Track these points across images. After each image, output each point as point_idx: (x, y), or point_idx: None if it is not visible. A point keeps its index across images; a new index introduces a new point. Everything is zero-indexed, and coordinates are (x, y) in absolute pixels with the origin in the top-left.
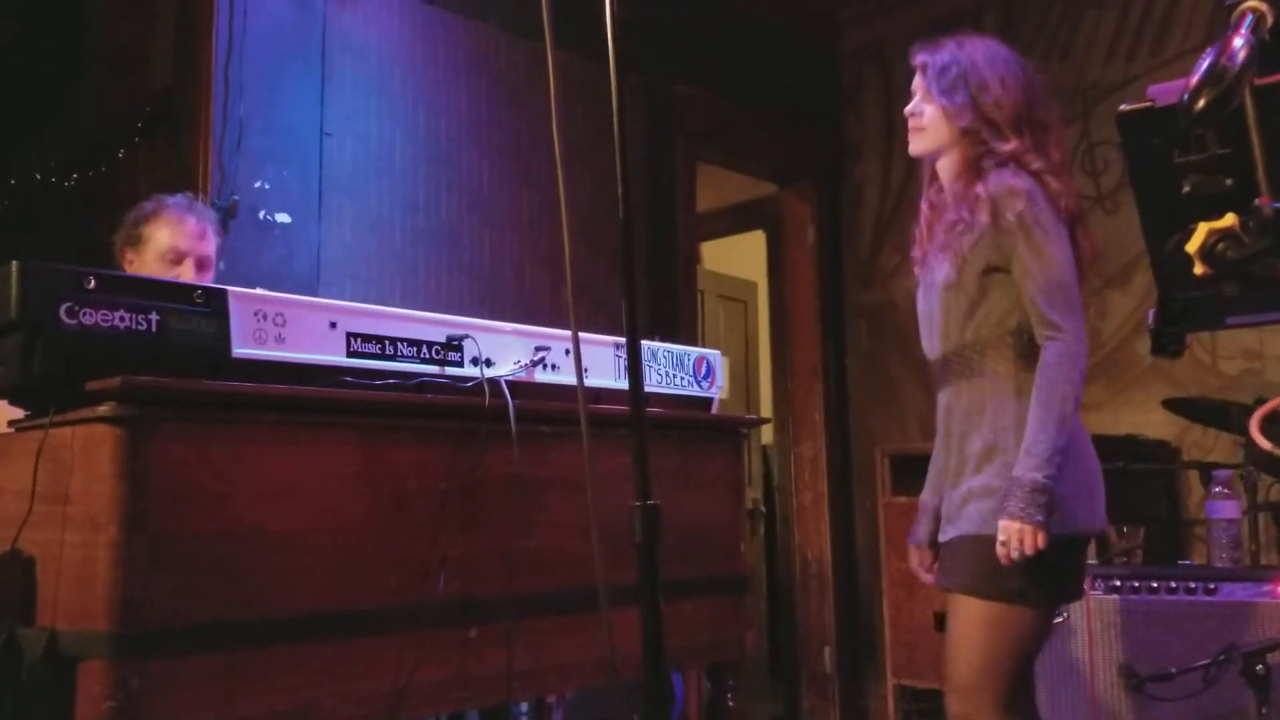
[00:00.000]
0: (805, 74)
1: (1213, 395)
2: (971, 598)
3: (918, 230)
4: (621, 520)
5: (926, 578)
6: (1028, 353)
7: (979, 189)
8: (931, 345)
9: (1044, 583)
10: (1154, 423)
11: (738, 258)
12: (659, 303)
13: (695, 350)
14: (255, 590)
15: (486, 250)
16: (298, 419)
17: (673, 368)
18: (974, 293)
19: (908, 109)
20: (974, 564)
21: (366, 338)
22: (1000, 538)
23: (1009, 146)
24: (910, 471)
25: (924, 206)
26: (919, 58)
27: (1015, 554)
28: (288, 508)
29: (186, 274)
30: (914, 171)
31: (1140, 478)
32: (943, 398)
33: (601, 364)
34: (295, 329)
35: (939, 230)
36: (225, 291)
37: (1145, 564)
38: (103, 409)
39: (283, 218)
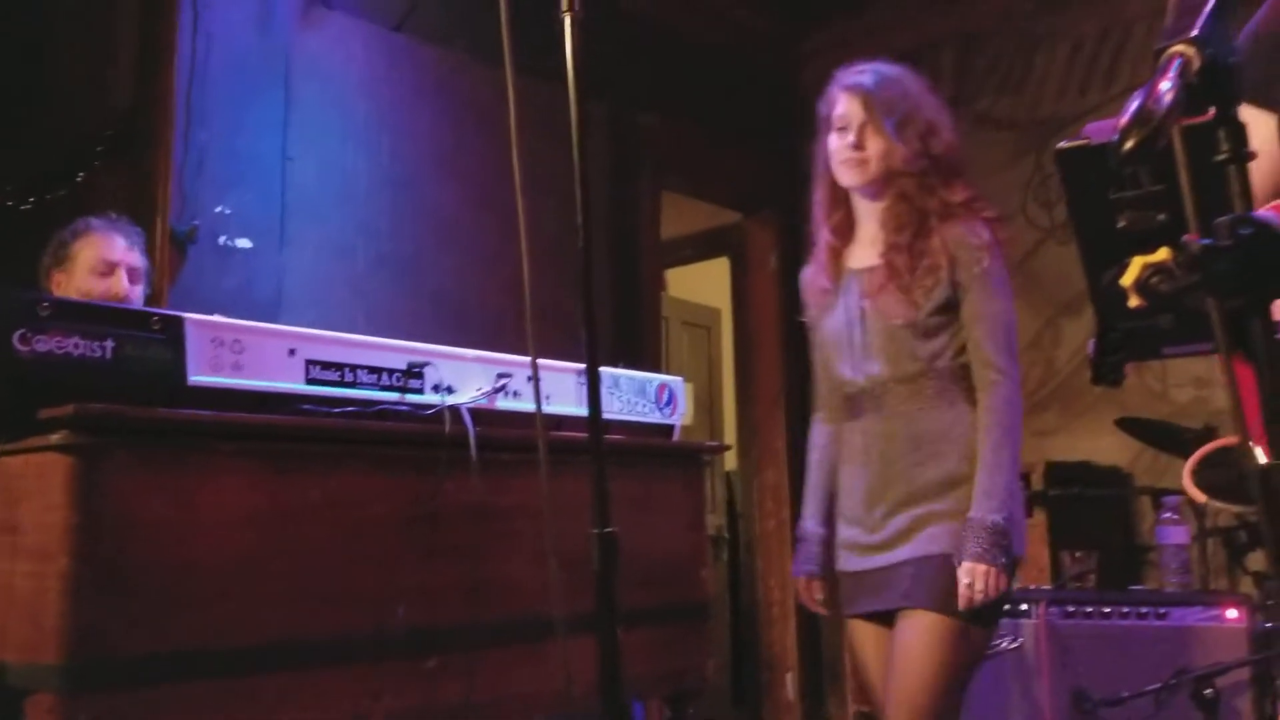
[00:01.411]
0: (768, 105)
1: (1164, 421)
2: (938, 614)
3: (818, 259)
4: (583, 548)
5: (821, 610)
6: (970, 389)
7: (936, 240)
8: (862, 370)
9: (997, 603)
10: (1107, 449)
11: (702, 285)
12: (623, 329)
13: (657, 377)
14: (211, 621)
15: (450, 276)
16: (254, 447)
17: (635, 395)
18: (930, 327)
19: (849, 140)
20: (946, 581)
21: (326, 365)
22: (964, 579)
23: (961, 196)
24: None
25: (827, 235)
26: (855, 85)
27: (979, 596)
28: (244, 537)
29: (119, 285)
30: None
31: (1094, 503)
32: (873, 423)
33: (564, 391)
34: (253, 356)
35: (891, 274)
36: (182, 318)
37: (1098, 589)
38: (55, 437)
39: (244, 243)
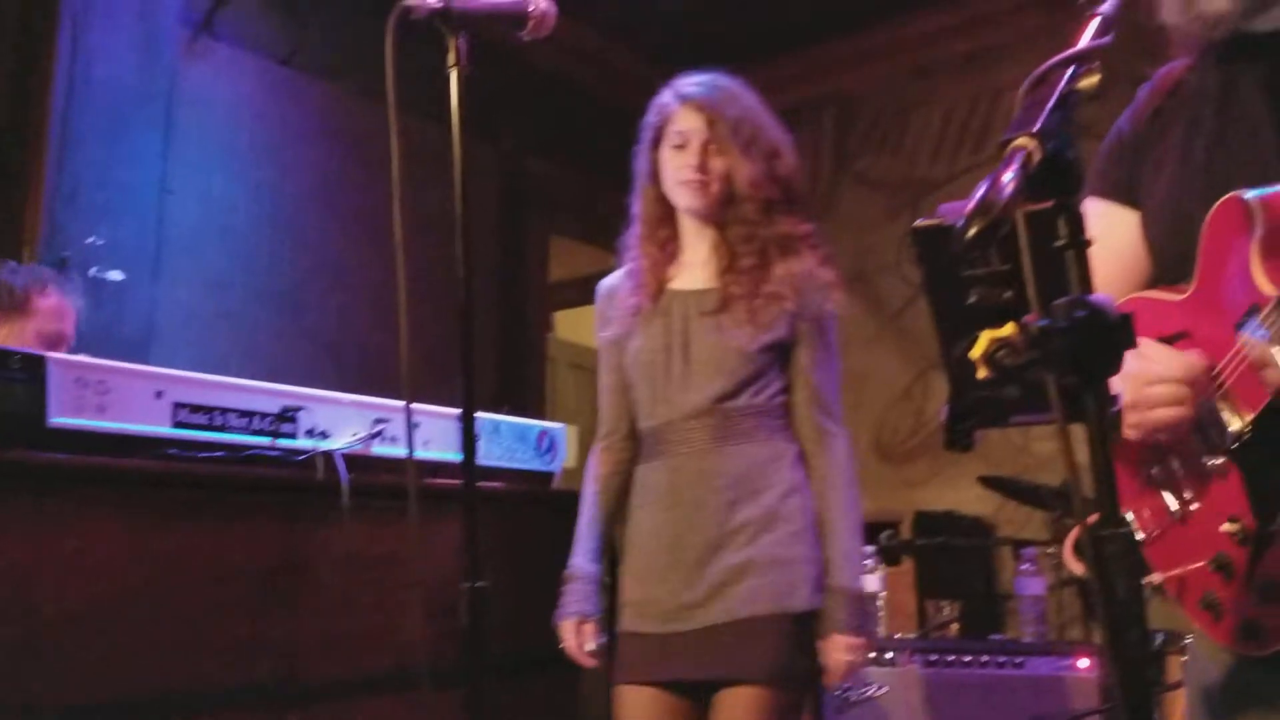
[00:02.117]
0: None
1: (1024, 475)
2: (769, 689)
3: (634, 275)
4: (456, 598)
5: (588, 661)
6: (787, 428)
7: (780, 271)
8: (679, 400)
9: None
10: (973, 499)
11: (590, 327)
12: (508, 372)
13: (538, 424)
14: (65, 673)
15: (331, 315)
16: (116, 493)
17: (515, 441)
18: (760, 361)
19: (690, 160)
20: (776, 648)
21: (194, 408)
22: (841, 654)
23: (803, 229)
24: None
25: (651, 252)
26: (698, 98)
27: (852, 671)
28: (102, 586)
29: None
30: None
31: (958, 553)
32: (685, 460)
33: (443, 436)
34: (118, 397)
35: (727, 300)
36: (44, 357)
37: (961, 637)
38: None
39: (115, 275)
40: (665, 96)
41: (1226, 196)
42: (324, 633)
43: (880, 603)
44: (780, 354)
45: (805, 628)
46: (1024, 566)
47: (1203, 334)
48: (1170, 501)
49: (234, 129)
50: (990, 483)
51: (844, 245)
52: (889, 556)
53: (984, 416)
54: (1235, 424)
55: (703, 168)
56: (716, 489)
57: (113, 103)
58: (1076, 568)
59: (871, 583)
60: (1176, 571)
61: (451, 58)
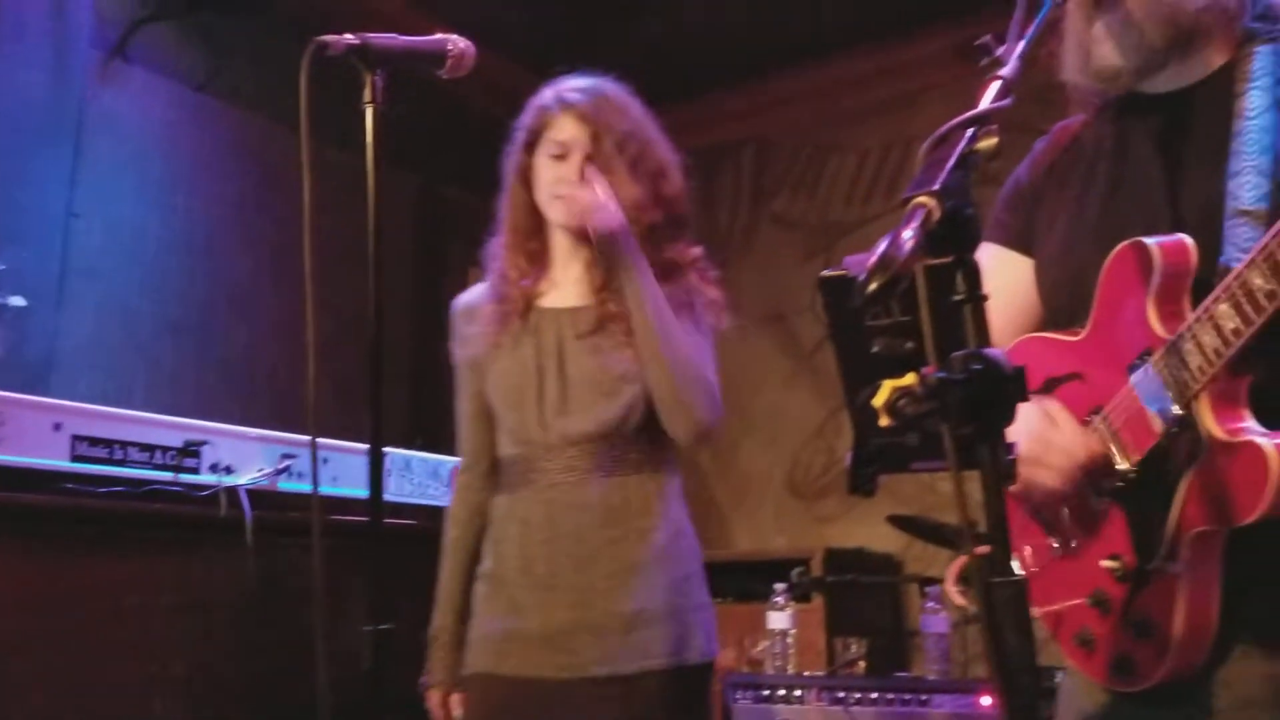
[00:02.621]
0: None
1: (931, 514)
2: None
3: (497, 289)
4: (360, 640)
5: None
6: (675, 460)
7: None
8: (553, 426)
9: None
10: (882, 536)
11: None
12: (423, 407)
13: (452, 460)
14: None
15: (242, 346)
16: (9, 528)
17: (427, 477)
18: (642, 386)
19: (571, 176)
20: (669, 708)
21: (94, 441)
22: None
23: (691, 255)
24: None
25: (520, 264)
26: (582, 107)
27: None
28: None
29: None
30: None
31: (868, 590)
32: (561, 492)
33: (354, 472)
34: (14, 430)
35: (605, 319)
36: None
37: (868, 675)
38: None
39: (16, 301)
40: (546, 98)
41: (1127, 242)
42: (224, 673)
43: (790, 640)
44: None
45: (699, 681)
46: (929, 604)
47: (1095, 376)
48: (1053, 538)
49: (145, 154)
50: (897, 522)
51: (760, 285)
52: (799, 593)
53: (886, 462)
54: (1122, 465)
55: (582, 181)
56: (598, 524)
57: (19, 125)
58: (958, 599)
59: (782, 620)
60: (1054, 607)
61: (368, 94)
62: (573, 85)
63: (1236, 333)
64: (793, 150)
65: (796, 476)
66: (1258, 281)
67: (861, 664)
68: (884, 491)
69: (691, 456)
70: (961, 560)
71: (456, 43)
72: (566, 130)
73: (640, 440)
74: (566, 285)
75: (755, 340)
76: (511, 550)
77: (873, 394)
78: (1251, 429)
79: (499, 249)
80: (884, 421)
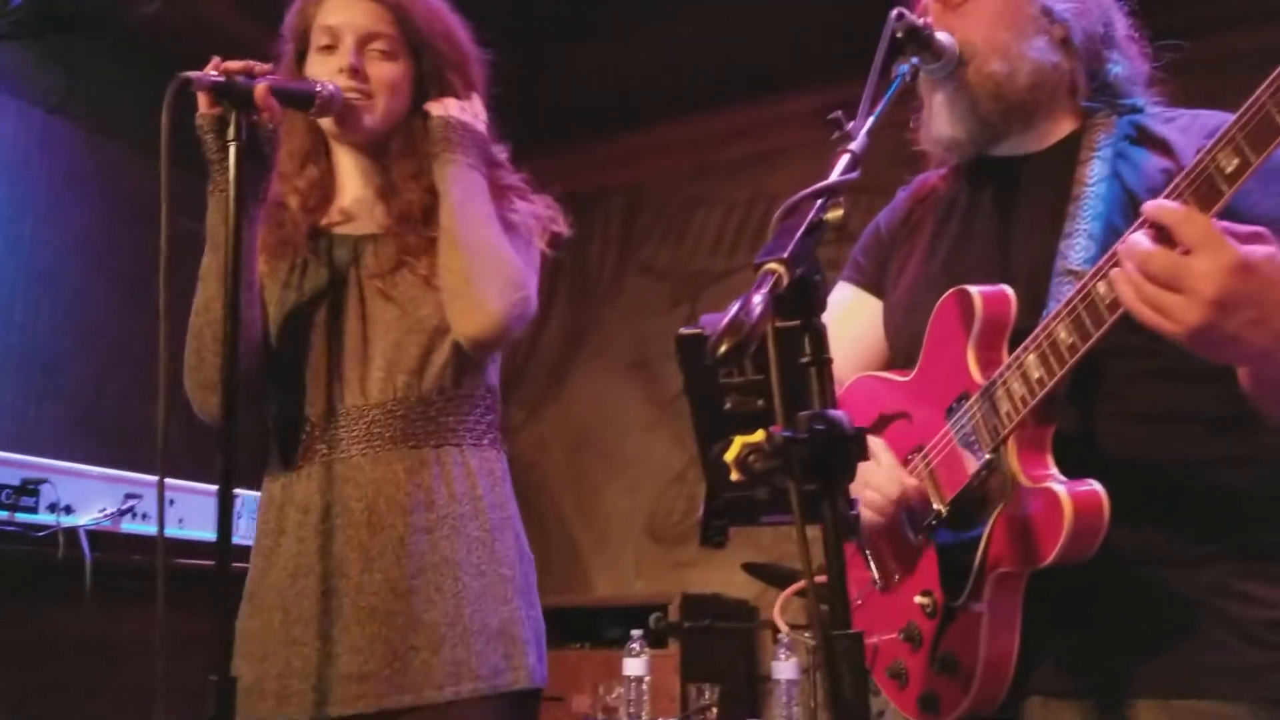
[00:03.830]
0: None
1: (786, 560)
2: None
3: (280, 218)
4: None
5: None
6: (498, 427)
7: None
8: (354, 381)
9: None
10: (739, 582)
11: None
12: None
13: None
14: None
15: (90, 380)
16: None
17: None
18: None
19: (344, 63)
20: None
21: None
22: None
23: (511, 178)
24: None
25: (303, 189)
26: None
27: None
28: None
29: None
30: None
31: (722, 635)
32: (354, 468)
33: (203, 514)
34: None
35: (403, 251)
36: None
37: None
38: None
39: None
40: None
41: (953, 290)
42: None
43: (645, 687)
44: None
45: (526, 713)
46: (781, 651)
47: (919, 416)
48: (874, 572)
49: None
50: (751, 569)
51: (627, 331)
52: (655, 639)
53: (736, 516)
54: (937, 504)
55: (358, 73)
56: (402, 507)
57: None
58: (783, 625)
59: (637, 667)
60: (872, 640)
61: (231, 133)
62: None
63: (1041, 382)
64: (662, 200)
65: (657, 522)
66: (1062, 335)
67: (714, 710)
68: (742, 537)
69: (544, 497)
70: (789, 592)
71: (325, 85)
72: (344, 13)
73: (459, 403)
74: (360, 213)
75: (621, 386)
76: (280, 549)
77: (725, 449)
78: (1053, 476)
79: (275, 184)
80: (735, 476)
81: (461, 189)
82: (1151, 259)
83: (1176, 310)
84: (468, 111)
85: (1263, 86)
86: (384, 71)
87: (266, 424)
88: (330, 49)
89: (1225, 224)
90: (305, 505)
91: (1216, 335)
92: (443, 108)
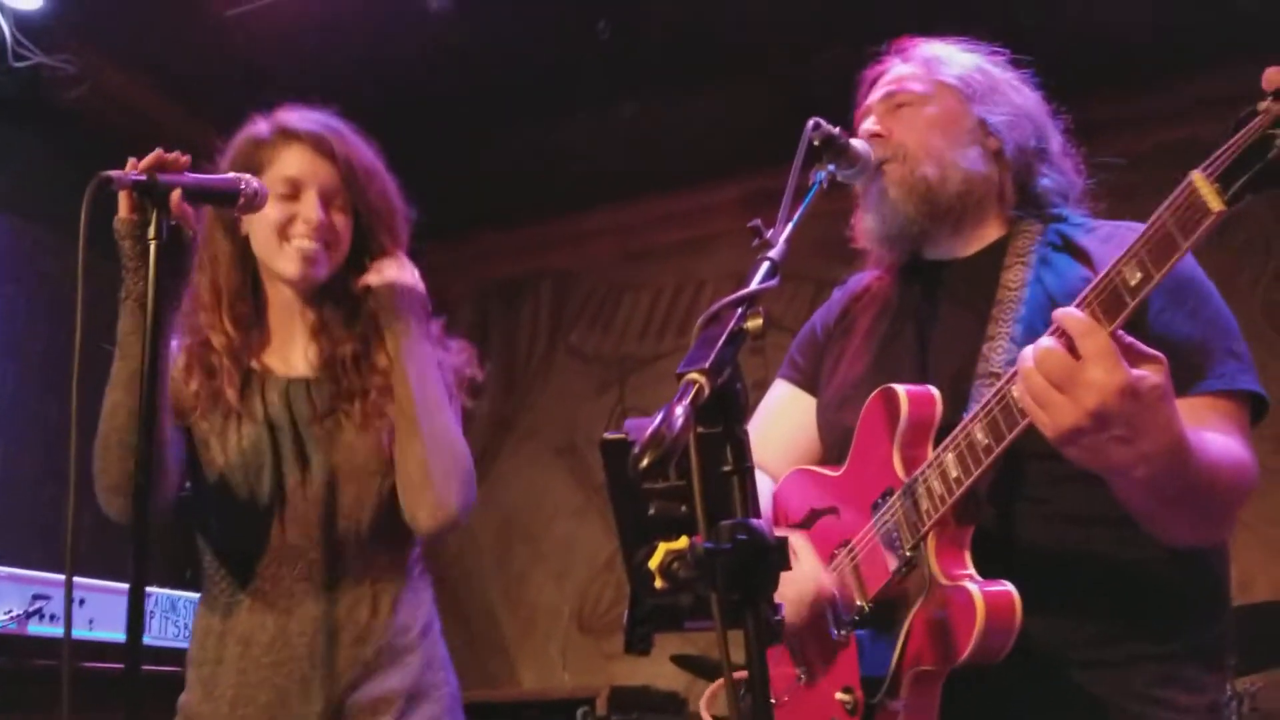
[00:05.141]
0: None
1: (713, 652)
2: None
3: (199, 357)
4: None
5: None
6: (423, 559)
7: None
8: (296, 522)
9: None
10: (668, 674)
11: None
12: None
13: None
14: None
15: None
16: None
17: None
18: (393, 476)
19: (313, 217)
20: None
21: None
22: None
23: (432, 326)
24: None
25: (230, 332)
26: (326, 141)
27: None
28: None
29: None
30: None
31: None
32: (299, 604)
33: (114, 613)
34: None
35: (340, 396)
36: None
37: None
38: None
39: None
40: (259, 130)
41: (881, 388)
42: None
43: None
44: None
45: None
46: None
47: (847, 511)
48: (798, 668)
49: None
50: (680, 661)
51: (555, 415)
52: None
53: (660, 622)
54: (860, 600)
55: (328, 228)
56: (341, 642)
57: None
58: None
59: None
60: None
61: (152, 231)
62: (292, 114)
63: (959, 481)
64: (590, 285)
65: (585, 611)
66: (979, 436)
67: None
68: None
69: (470, 585)
70: (716, 686)
71: (250, 182)
72: (303, 165)
73: (394, 540)
74: (291, 355)
75: (548, 470)
76: (226, 678)
77: (648, 555)
78: (969, 575)
79: (199, 317)
80: (659, 584)
81: (418, 370)
82: (1049, 356)
83: (1055, 408)
84: (406, 271)
85: (1163, 205)
86: (340, 225)
87: (199, 557)
88: (290, 199)
89: (1130, 340)
90: (246, 638)
91: (1085, 441)
92: (384, 274)
